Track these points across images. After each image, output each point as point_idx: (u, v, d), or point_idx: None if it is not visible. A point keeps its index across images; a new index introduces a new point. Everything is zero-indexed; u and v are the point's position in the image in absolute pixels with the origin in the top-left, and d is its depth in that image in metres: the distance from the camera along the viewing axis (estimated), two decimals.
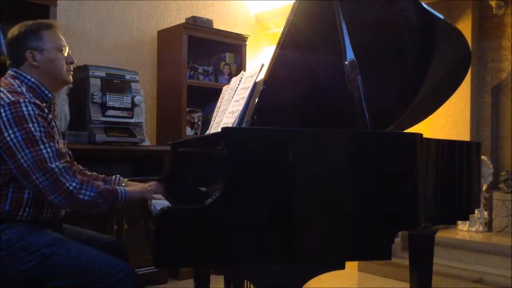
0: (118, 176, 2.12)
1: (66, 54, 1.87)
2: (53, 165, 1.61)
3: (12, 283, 1.67)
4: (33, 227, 1.71)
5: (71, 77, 1.91)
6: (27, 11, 3.06)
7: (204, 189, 1.80)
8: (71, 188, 1.62)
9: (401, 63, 2.06)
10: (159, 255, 1.32)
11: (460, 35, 2.09)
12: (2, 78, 1.80)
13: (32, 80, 1.80)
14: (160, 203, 1.79)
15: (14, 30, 1.83)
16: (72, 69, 1.91)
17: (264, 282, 1.43)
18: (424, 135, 1.62)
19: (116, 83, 3.31)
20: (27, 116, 1.64)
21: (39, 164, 1.60)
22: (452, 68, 2.20)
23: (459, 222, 3.99)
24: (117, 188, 1.75)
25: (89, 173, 2.08)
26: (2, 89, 1.71)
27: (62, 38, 1.88)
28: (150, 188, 1.91)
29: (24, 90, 1.73)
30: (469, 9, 4.08)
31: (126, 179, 2.13)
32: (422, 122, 2.33)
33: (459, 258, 3.62)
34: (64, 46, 1.86)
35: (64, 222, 1.94)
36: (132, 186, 1.94)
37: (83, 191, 1.63)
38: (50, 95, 1.84)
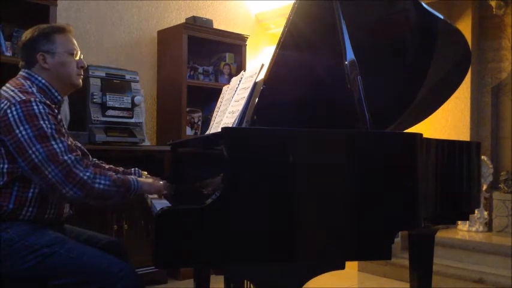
0: (136, 169, 2.14)
1: (77, 58, 1.89)
2: (66, 158, 1.63)
3: (13, 282, 1.67)
4: (35, 227, 1.71)
5: (80, 81, 1.93)
6: (27, 11, 3.07)
7: (204, 189, 1.80)
8: (85, 177, 1.63)
9: (401, 63, 2.07)
10: (159, 255, 1.32)
11: (460, 35, 2.09)
12: (14, 79, 1.82)
13: (43, 81, 1.82)
14: (160, 203, 1.79)
15: (27, 33, 1.86)
16: (82, 73, 1.93)
17: (264, 282, 1.43)
18: (424, 135, 1.62)
19: (116, 83, 3.31)
20: (38, 114, 1.66)
21: (51, 158, 1.62)
22: (452, 68, 2.20)
23: (459, 222, 4.00)
24: (129, 177, 1.76)
25: (107, 166, 2.10)
26: (13, 88, 1.73)
27: (74, 42, 1.90)
28: (161, 183, 1.90)
29: (35, 91, 1.75)
30: (469, 9, 4.08)
31: (145, 172, 2.14)
32: (422, 122, 2.33)
33: (459, 258, 3.62)
34: (75, 50, 1.89)
35: (66, 222, 1.94)
36: (143, 178, 1.93)
37: (97, 180, 1.65)
38: (59, 97, 1.86)
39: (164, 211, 1.32)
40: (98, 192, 1.66)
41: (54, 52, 1.83)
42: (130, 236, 3.15)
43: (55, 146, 1.64)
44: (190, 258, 1.35)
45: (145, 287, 1.78)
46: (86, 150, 2.08)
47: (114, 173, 1.76)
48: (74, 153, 1.67)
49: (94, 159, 2.13)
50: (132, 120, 3.34)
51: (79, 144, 2.06)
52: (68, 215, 1.91)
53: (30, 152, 1.63)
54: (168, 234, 1.32)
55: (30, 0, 3.02)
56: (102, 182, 1.66)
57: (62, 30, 1.88)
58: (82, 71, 1.92)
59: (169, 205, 1.66)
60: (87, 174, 1.64)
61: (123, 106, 3.28)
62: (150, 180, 1.90)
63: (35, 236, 1.68)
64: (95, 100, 3.19)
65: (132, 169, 2.13)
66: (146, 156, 3.40)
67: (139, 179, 1.81)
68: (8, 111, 1.65)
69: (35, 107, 1.66)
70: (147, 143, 3.51)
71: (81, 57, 1.92)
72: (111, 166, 2.12)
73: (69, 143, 1.72)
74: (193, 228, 1.32)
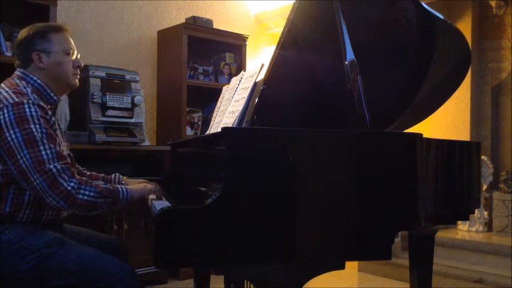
0: (117, 174, 2.12)
1: (73, 58, 1.86)
2: (51, 166, 1.59)
3: (12, 283, 1.67)
4: (33, 228, 1.70)
5: (77, 81, 1.90)
6: (27, 11, 3.07)
7: (204, 189, 1.80)
8: (69, 188, 1.59)
9: (401, 63, 2.06)
10: (159, 255, 1.32)
11: (460, 35, 2.09)
12: (9, 79, 1.80)
13: (38, 81, 1.79)
14: (160, 203, 1.79)
15: (23, 32, 1.84)
16: (79, 72, 1.90)
17: (264, 282, 1.43)
18: (424, 135, 1.62)
19: (116, 83, 3.32)
20: (29, 117, 1.63)
21: (36, 165, 1.59)
22: (452, 68, 2.20)
23: (459, 222, 4.00)
24: (118, 186, 1.71)
25: (88, 173, 2.08)
26: (7, 89, 1.71)
27: (71, 41, 1.87)
28: (151, 187, 1.87)
29: (30, 92, 1.72)
30: (469, 9, 4.08)
31: (125, 177, 2.12)
32: (422, 122, 2.33)
33: (459, 258, 3.62)
34: (72, 50, 1.86)
35: (65, 222, 1.93)
36: (133, 185, 1.90)
37: (81, 191, 1.60)
38: (55, 98, 1.84)
39: (164, 211, 1.32)
40: (82, 204, 1.61)
41: (50, 51, 1.80)
42: (130, 236, 3.15)
43: (43, 153, 1.60)
44: (191, 258, 1.35)
45: (145, 287, 1.78)
46: (72, 156, 2.01)
47: (102, 183, 1.70)
48: (61, 161, 1.62)
49: (78, 166, 2.08)
50: (132, 120, 3.34)
51: (68, 152, 2.01)
52: (67, 215, 1.90)
53: (19, 157, 1.60)
54: (168, 234, 1.32)
55: (30, 0, 3.03)
56: (87, 193, 1.61)
57: (58, 29, 1.85)
58: (79, 70, 1.89)
59: (170, 205, 1.66)
60: (71, 184, 1.59)
61: (123, 106, 3.28)
62: (140, 185, 1.86)
63: (33, 237, 1.67)
64: (95, 100, 3.18)
65: (113, 175, 2.10)
66: (146, 156, 3.40)
67: (128, 187, 1.76)
68: (0, 113, 1.63)
69: (27, 110, 1.63)
70: (147, 143, 3.51)
71: (78, 56, 1.89)
72: (92, 173, 2.08)
73: (59, 149, 1.67)
74: (194, 228, 1.32)
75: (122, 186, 1.73)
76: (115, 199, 1.68)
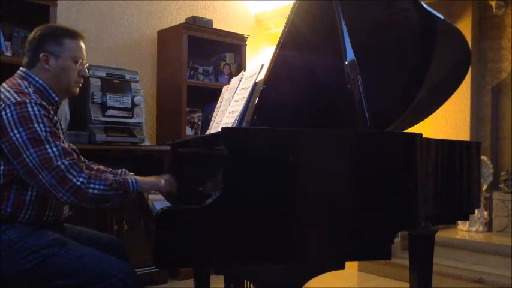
0: (124, 170, 2.11)
1: (80, 66, 1.86)
2: (59, 163, 1.60)
3: (12, 283, 1.67)
4: (34, 228, 1.70)
5: (77, 89, 1.91)
6: (27, 11, 3.07)
7: (204, 189, 1.80)
8: (78, 183, 1.60)
9: (401, 64, 2.06)
10: (159, 255, 1.32)
11: (460, 35, 2.09)
12: (11, 78, 1.80)
13: (40, 82, 1.79)
14: (160, 203, 1.79)
15: (38, 29, 1.84)
16: (81, 81, 1.91)
17: (264, 282, 1.44)
18: (424, 135, 1.62)
19: (116, 83, 3.32)
20: (32, 116, 1.63)
21: (44, 163, 1.59)
22: (452, 68, 2.20)
23: (459, 222, 4.00)
24: (128, 178, 1.72)
25: (96, 167, 2.08)
26: (8, 89, 1.71)
27: (83, 50, 1.88)
28: (163, 181, 1.87)
29: (31, 92, 1.72)
30: (469, 9, 4.08)
31: (131, 173, 2.12)
32: (422, 122, 2.33)
33: (459, 258, 3.62)
34: (81, 59, 1.86)
35: (65, 222, 1.93)
36: (144, 177, 1.88)
37: (91, 185, 1.61)
38: (56, 98, 1.84)
39: (164, 211, 1.32)
40: (92, 197, 1.62)
41: (59, 56, 1.80)
42: (130, 236, 3.15)
43: (49, 151, 1.61)
44: (190, 258, 1.35)
45: (145, 287, 1.78)
46: (77, 151, 2.03)
47: (111, 175, 1.72)
48: (68, 157, 1.63)
49: (85, 160, 2.09)
50: (132, 120, 3.34)
51: (73, 147, 2.04)
52: (68, 216, 1.91)
53: (25, 156, 1.60)
54: (168, 234, 1.32)
55: (30, 0, 3.02)
56: (97, 186, 1.62)
57: (73, 35, 1.85)
58: (82, 79, 1.90)
59: (170, 205, 1.66)
60: (80, 179, 1.60)
61: (123, 106, 3.28)
62: (152, 178, 1.86)
63: (34, 238, 1.67)
64: (95, 100, 3.18)
65: (119, 170, 2.10)
66: (146, 156, 3.40)
67: (138, 178, 1.78)
68: (3, 112, 1.63)
69: (30, 109, 1.64)
70: (147, 143, 3.51)
71: (86, 65, 1.90)
72: (99, 167, 2.09)
73: (65, 145, 1.68)
74: (193, 228, 1.32)
75: (132, 178, 1.74)
76: (125, 191, 1.69)
